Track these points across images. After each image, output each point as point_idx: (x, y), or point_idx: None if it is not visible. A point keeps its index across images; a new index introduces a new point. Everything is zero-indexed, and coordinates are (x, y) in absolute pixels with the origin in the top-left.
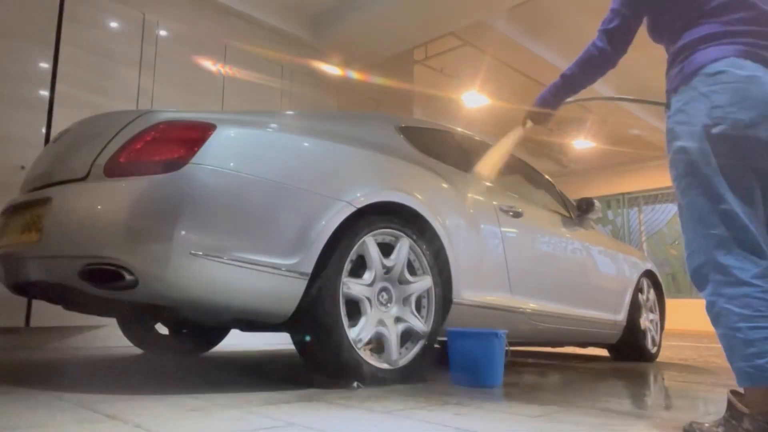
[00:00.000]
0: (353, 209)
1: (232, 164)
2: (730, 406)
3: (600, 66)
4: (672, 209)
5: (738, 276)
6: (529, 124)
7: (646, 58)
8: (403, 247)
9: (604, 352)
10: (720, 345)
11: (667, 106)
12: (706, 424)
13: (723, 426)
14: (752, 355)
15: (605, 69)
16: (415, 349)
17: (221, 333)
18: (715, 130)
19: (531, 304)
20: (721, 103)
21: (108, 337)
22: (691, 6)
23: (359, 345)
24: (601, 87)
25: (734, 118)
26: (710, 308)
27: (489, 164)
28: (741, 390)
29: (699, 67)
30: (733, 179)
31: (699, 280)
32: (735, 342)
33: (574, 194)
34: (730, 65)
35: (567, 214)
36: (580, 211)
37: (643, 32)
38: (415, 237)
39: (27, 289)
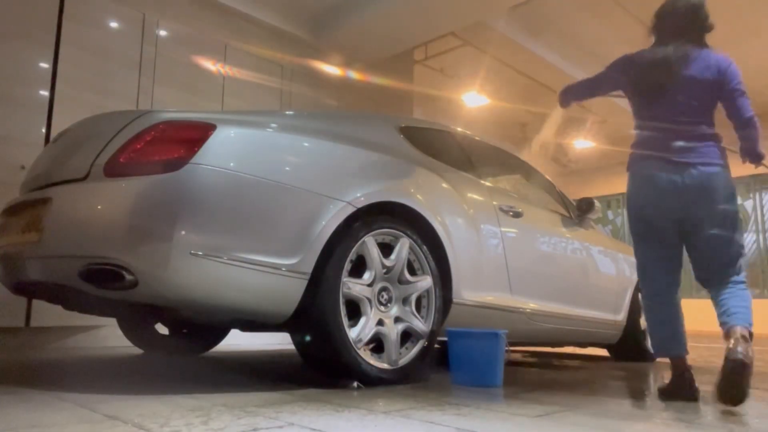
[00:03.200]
0: (353, 209)
1: (232, 164)
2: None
3: (576, 98)
4: None
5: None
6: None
7: None
8: (403, 247)
9: (604, 352)
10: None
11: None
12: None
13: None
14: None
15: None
16: (415, 349)
17: (221, 333)
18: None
19: (531, 304)
20: None
21: (108, 337)
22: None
23: (359, 345)
24: None
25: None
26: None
27: (542, 139)
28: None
29: None
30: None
31: None
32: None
33: (574, 194)
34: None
35: (567, 214)
36: (580, 211)
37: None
38: (415, 237)
39: (27, 289)
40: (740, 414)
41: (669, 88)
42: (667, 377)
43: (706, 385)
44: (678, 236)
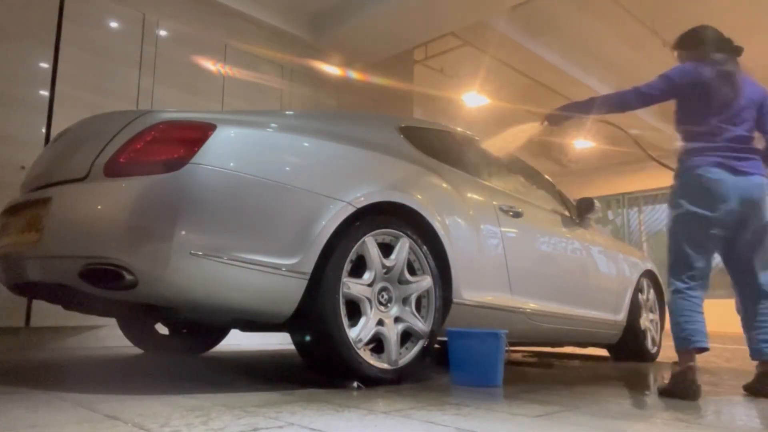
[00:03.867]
0: (353, 209)
1: (232, 164)
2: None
3: (622, 110)
4: None
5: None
6: (546, 123)
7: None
8: (403, 247)
9: (604, 352)
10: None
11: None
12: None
13: None
14: None
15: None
16: (415, 349)
17: (221, 333)
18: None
19: (531, 304)
20: None
21: (108, 337)
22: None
23: (359, 345)
24: (601, 86)
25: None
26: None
27: (498, 144)
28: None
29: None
30: None
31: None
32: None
33: (574, 194)
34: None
35: (567, 214)
36: (580, 211)
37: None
38: (415, 237)
39: (27, 289)
40: (741, 413)
41: (734, 103)
42: (667, 377)
43: (707, 386)
44: (724, 236)
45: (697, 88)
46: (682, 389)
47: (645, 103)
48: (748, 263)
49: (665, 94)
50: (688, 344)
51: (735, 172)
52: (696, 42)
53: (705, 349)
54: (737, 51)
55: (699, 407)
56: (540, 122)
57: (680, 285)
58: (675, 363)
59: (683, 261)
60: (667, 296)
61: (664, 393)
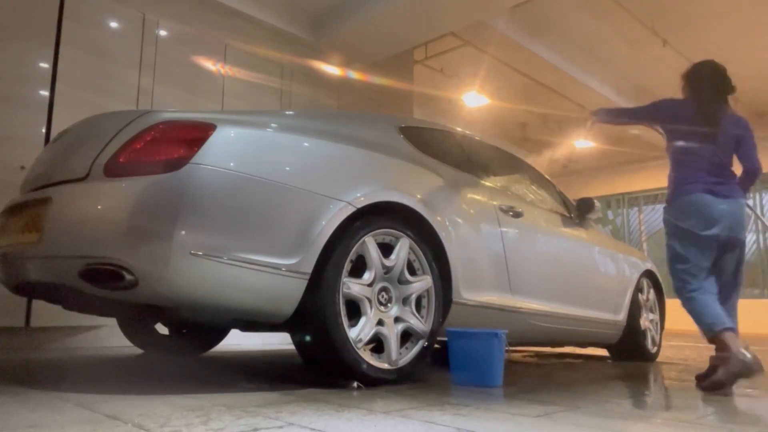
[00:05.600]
0: (353, 209)
1: (232, 164)
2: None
3: (617, 120)
4: None
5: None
6: (591, 123)
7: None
8: (403, 247)
9: (604, 352)
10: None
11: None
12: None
13: None
14: None
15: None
16: (415, 349)
17: (221, 333)
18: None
19: (531, 304)
20: None
21: (108, 337)
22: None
23: (359, 345)
24: (601, 86)
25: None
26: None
27: (548, 157)
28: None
29: None
30: None
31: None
32: None
33: (574, 194)
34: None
35: (567, 214)
36: (580, 211)
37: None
38: (415, 237)
39: (27, 289)
40: (741, 413)
41: (713, 138)
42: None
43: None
44: (716, 247)
45: (678, 122)
46: (743, 367)
47: (631, 117)
48: (729, 276)
49: (649, 116)
50: (715, 328)
51: (717, 195)
52: (692, 78)
53: (731, 329)
54: (728, 90)
55: (699, 407)
56: (587, 124)
57: (689, 287)
58: (713, 357)
59: (686, 269)
60: (683, 303)
61: (727, 378)
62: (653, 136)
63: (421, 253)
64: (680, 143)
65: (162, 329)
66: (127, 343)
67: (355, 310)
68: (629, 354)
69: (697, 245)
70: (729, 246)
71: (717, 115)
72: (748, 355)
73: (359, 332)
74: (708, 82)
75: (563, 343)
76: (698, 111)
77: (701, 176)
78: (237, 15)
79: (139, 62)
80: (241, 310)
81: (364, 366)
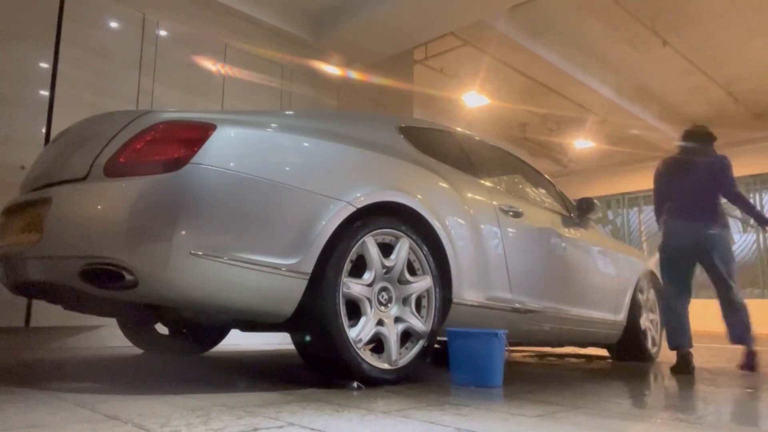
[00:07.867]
0: (353, 209)
1: (232, 164)
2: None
3: None
4: None
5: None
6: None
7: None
8: (403, 247)
9: (604, 352)
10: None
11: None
12: None
13: None
14: None
15: None
16: (415, 349)
17: (221, 333)
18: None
19: (531, 304)
20: None
21: (108, 337)
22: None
23: (359, 345)
24: (601, 86)
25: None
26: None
27: None
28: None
29: None
30: None
31: None
32: None
33: (574, 194)
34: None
35: (567, 214)
36: (580, 211)
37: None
38: (415, 237)
39: (27, 289)
40: (741, 413)
41: (691, 176)
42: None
43: (707, 385)
44: (693, 266)
45: (665, 167)
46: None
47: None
48: (715, 275)
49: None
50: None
51: (692, 220)
52: (685, 136)
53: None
54: (707, 139)
55: (699, 407)
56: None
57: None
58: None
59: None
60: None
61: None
62: (653, 135)
63: (421, 253)
64: (669, 183)
65: (162, 329)
66: (127, 343)
67: (355, 310)
68: (629, 354)
69: (677, 262)
70: (704, 256)
71: (697, 160)
72: None
73: (359, 332)
74: (692, 137)
75: (563, 343)
76: (684, 152)
77: (684, 208)
78: (237, 15)
79: (139, 62)
80: (241, 310)
81: (364, 366)
